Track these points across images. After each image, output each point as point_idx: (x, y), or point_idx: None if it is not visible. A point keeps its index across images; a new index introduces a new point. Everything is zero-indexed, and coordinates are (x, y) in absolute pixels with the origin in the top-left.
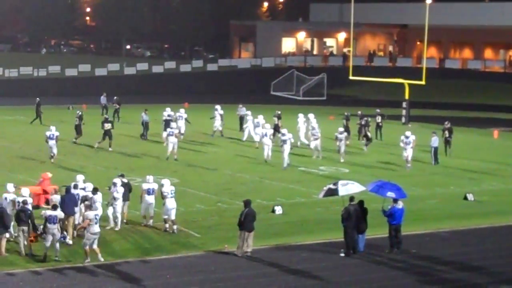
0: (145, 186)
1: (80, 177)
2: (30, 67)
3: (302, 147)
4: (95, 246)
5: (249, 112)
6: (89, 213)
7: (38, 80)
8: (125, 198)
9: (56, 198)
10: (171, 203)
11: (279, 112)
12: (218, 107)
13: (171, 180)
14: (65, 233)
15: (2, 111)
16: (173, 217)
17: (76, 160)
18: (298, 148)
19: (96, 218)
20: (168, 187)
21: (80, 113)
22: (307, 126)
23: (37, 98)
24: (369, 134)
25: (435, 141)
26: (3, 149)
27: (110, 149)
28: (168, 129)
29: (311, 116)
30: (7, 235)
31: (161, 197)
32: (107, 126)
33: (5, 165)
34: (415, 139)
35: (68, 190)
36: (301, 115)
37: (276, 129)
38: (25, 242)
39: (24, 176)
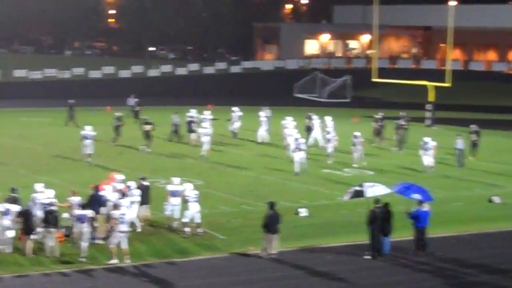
0: (169, 187)
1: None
2: (54, 69)
3: (321, 148)
4: (124, 247)
5: (262, 114)
6: (114, 212)
7: (62, 82)
8: (145, 201)
9: (74, 200)
10: (194, 207)
11: (311, 114)
12: (235, 108)
13: (195, 182)
14: (96, 233)
15: (26, 113)
16: (198, 220)
17: (101, 161)
18: (319, 150)
19: (122, 217)
20: (190, 191)
21: (119, 115)
22: (323, 128)
23: (69, 100)
24: (397, 136)
25: (460, 143)
26: (27, 150)
27: (148, 150)
28: (201, 129)
29: (327, 119)
30: (33, 236)
31: (184, 200)
32: (147, 127)
33: (29, 166)
34: (435, 145)
35: (96, 190)
36: (315, 117)
37: (309, 130)
38: (53, 244)
39: (48, 177)
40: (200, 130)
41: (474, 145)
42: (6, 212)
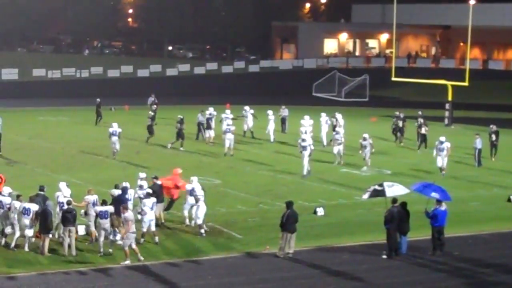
0: (188, 187)
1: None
2: (73, 68)
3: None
4: (134, 246)
5: (270, 112)
6: (128, 215)
7: (81, 81)
8: (158, 200)
9: (90, 199)
10: (202, 208)
11: (337, 113)
12: (247, 107)
13: (212, 181)
14: (117, 230)
15: (45, 112)
16: (199, 221)
17: (118, 160)
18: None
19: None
20: (199, 191)
21: (152, 113)
22: (330, 127)
23: (97, 99)
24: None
25: (479, 142)
26: (46, 149)
27: (181, 148)
28: (225, 126)
29: (338, 116)
30: (50, 235)
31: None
32: (178, 126)
33: (48, 165)
34: (449, 146)
35: (124, 190)
36: (323, 114)
37: (334, 129)
38: (71, 243)
39: (66, 176)
40: (223, 128)
41: (493, 145)
42: (25, 212)
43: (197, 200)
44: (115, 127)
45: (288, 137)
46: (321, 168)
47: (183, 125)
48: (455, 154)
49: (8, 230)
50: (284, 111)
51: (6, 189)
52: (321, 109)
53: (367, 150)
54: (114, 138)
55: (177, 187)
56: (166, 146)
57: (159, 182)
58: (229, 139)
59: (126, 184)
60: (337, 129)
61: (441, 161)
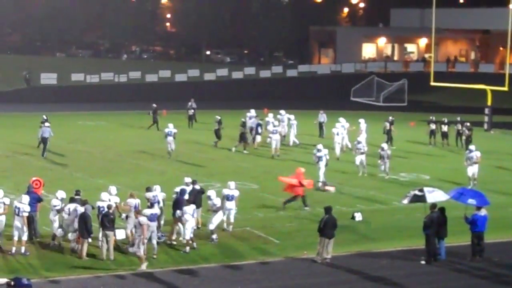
0: (225, 191)
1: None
2: (111, 73)
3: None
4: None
5: (292, 117)
6: (142, 219)
7: (119, 86)
8: (198, 205)
9: (132, 203)
10: (219, 214)
11: (392, 118)
12: (282, 112)
13: (250, 186)
14: (161, 232)
15: (83, 116)
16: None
17: (156, 164)
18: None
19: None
20: (216, 199)
21: (219, 117)
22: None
23: (154, 104)
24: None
25: None
26: (84, 154)
27: (245, 151)
28: (271, 128)
29: (361, 121)
30: (90, 239)
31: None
32: (242, 129)
33: (86, 170)
34: (480, 155)
35: (182, 192)
36: (342, 119)
37: (388, 134)
38: (109, 247)
39: (104, 181)
40: (271, 129)
41: None
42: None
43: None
44: (170, 128)
45: (326, 141)
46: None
47: (221, 125)
48: (494, 159)
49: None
50: (322, 116)
51: (60, 193)
52: (360, 114)
53: (386, 161)
54: (170, 138)
55: (302, 184)
56: (231, 149)
57: (197, 187)
58: (275, 140)
59: (185, 185)
60: (359, 138)
61: (472, 170)
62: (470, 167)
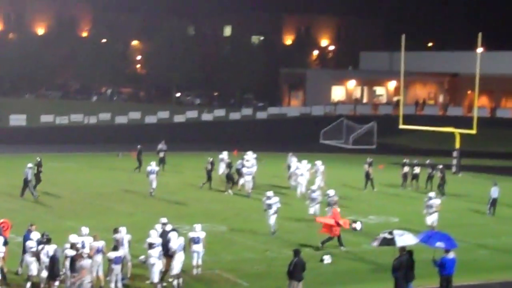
0: (190, 234)
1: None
2: (81, 114)
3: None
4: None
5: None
6: (84, 263)
7: (89, 128)
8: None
9: (94, 245)
10: (179, 257)
11: (370, 160)
12: (249, 152)
13: (219, 228)
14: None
15: (52, 158)
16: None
17: (125, 206)
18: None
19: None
20: (175, 241)
21: (211, 159)
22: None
23: (138, 146)
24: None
25: (495, 191)
26: (53, 196)
27: (230, 192)
28: (245, 169)
29: (318, 163)
30: (57, 282)
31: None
32: (227, 170)
33: (55, 212)
34: (439, 203)
35: (163, 233)
36: (304, 161)
37: (367, 176)
38: None
39: (73, 223)
40: (245, 171)
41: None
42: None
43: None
44: (153, 166)
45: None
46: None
47: (213, 166)
48: (462, 202)
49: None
50: (291, 159)
51: (35, 235)
52: (329, 156)
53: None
54: (152, 176)
55: (338, 224)
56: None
57: (168, 228)
58: (248, 180)
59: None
60: (313, 187)
61: (431, 219)
62: (429, 216)
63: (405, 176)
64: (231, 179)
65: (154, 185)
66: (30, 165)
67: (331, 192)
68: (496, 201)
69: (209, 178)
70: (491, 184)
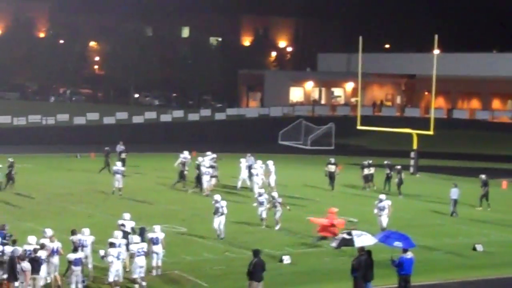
0: (149, 235)
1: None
2: (39, 115)
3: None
4: None
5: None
6: (25, 265)
7: (46, 129)
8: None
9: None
10: (141, 261)
11: (333, 160)
12: (209, 153)
13: (178, 229)
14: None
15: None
16: (143, 274)
17: (84, 207)
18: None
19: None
20: (135, 246)
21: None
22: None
23: (106, 148)
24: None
25: (455, 193)
26: (11, 197)
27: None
28: (204, 169)
29: (269, 163)
30: (16, 283)
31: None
32: (197, 172)
33: (13, 213)
34: (390, 204)
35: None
36: (259, 162)
37: (332, 176)
38: None
39: (32, 224)
40: (203, 170)
41: (484, 196)
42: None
43: (132, 256)
44: (119, 166)
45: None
46: (288, 215)
47: (185, 166)
48: (420, 202)
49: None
50: (250, 159)
51: None
52: (287, 157)
53: (278, 209)
54: (118, 176)
55: (333, 225)
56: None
57: (127, 229)
58: (206, 180)
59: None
60: (260, 190)
61: (384, 221)
62: (380, 218)
63: (366, 177)
64: (199, 180)
65: (121, 184)
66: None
67: (275, 194)
68: (456, 202)
69: (182, 178)
70: (448, 185)
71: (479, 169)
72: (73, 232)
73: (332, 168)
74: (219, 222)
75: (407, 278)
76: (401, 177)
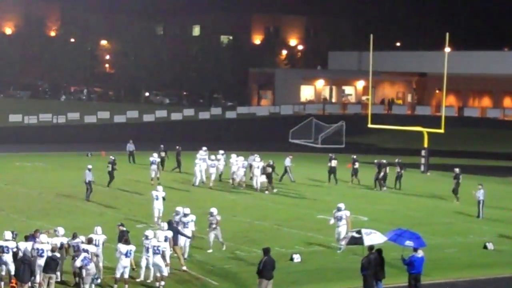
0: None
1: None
2: (50, 114)
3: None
4: None
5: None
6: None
7: (57, 127)
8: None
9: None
10: (157, 259)
11: (333, 155)
12: (221, 151)
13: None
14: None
15: (21, 157)
16: (126, 276)
17: (95, 206)
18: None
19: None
20: (124, 248)
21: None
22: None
23: (177, 146)
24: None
25: (481, 193)
26: (22, 195)
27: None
28: (210, 162)
29: (257, 159)
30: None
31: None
32: (269, 169)
33: (24, 211)
34: (349, 214)
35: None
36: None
37: (333, 171)
38: None
39: (42, 222)
40: (209, 163)
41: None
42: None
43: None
44: (155, 157)
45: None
46: (299, 214)
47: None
48: (431, 201)
49: None
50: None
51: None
52: (298, 156)
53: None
54: (154, 167)
55: None
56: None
57: (124, 228)
58: (212, 172)
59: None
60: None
61: (342, 231)
62: (338, 228)
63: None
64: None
65: (158, 174)
66: (89, 166)
67: (214, 210)
68: (483, 202)
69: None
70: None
71: (491, 167)
72: (74, 236)
73: (334, 163)
74: (214, 235)
75: (417, 277)
76: (386, 171)
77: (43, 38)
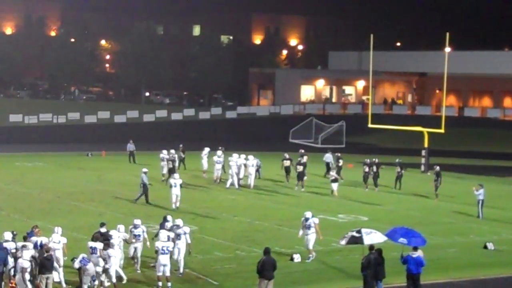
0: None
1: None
2: (50, 113)
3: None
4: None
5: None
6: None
7: (58, 127)
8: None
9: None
10: (164, 259)
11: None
12: (219, 153)
13: (190, 227)
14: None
15: (21, 157)
16: (167, 273)
17: (94, 206)
18: (309, 193)
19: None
20: (160, 243)
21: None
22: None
23: (181, 145)
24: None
25: (481, 193)
26: (22, 195)
27: (302, 189)
28: (216, 158)
29: (250, 158)
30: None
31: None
32: (287, 163)
33: (24, 211)
34: (318, 222)
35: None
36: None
37: (329, 167)
38: None
39: (43, 222)
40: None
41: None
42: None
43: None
44: (164, 154)
45: (263, 183)
46: (299, 214)
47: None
48: (431, 201)
49: None
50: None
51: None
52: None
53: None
54: (163, 163)
55: None
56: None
57: (103, 229)
58: (218, 169)
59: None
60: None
61: (310, 240)
62: (307, 237)
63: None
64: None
65: (164, 171)
66: (145, 170)
67: (179, 221)
68: (483, 202)
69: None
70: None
71: (491, 167)
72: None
73: (329, 158)
74: (178, 251)
75: (414, 276)
76: (377, 170)
77: (43, 38)
